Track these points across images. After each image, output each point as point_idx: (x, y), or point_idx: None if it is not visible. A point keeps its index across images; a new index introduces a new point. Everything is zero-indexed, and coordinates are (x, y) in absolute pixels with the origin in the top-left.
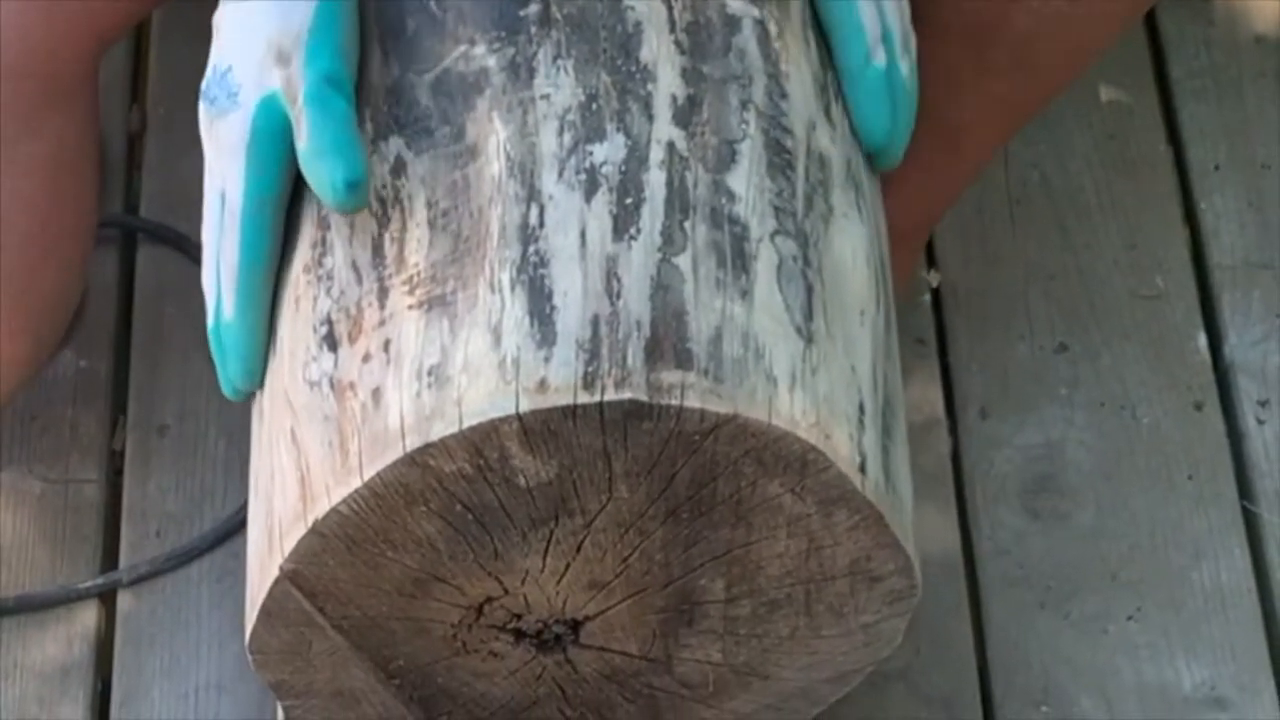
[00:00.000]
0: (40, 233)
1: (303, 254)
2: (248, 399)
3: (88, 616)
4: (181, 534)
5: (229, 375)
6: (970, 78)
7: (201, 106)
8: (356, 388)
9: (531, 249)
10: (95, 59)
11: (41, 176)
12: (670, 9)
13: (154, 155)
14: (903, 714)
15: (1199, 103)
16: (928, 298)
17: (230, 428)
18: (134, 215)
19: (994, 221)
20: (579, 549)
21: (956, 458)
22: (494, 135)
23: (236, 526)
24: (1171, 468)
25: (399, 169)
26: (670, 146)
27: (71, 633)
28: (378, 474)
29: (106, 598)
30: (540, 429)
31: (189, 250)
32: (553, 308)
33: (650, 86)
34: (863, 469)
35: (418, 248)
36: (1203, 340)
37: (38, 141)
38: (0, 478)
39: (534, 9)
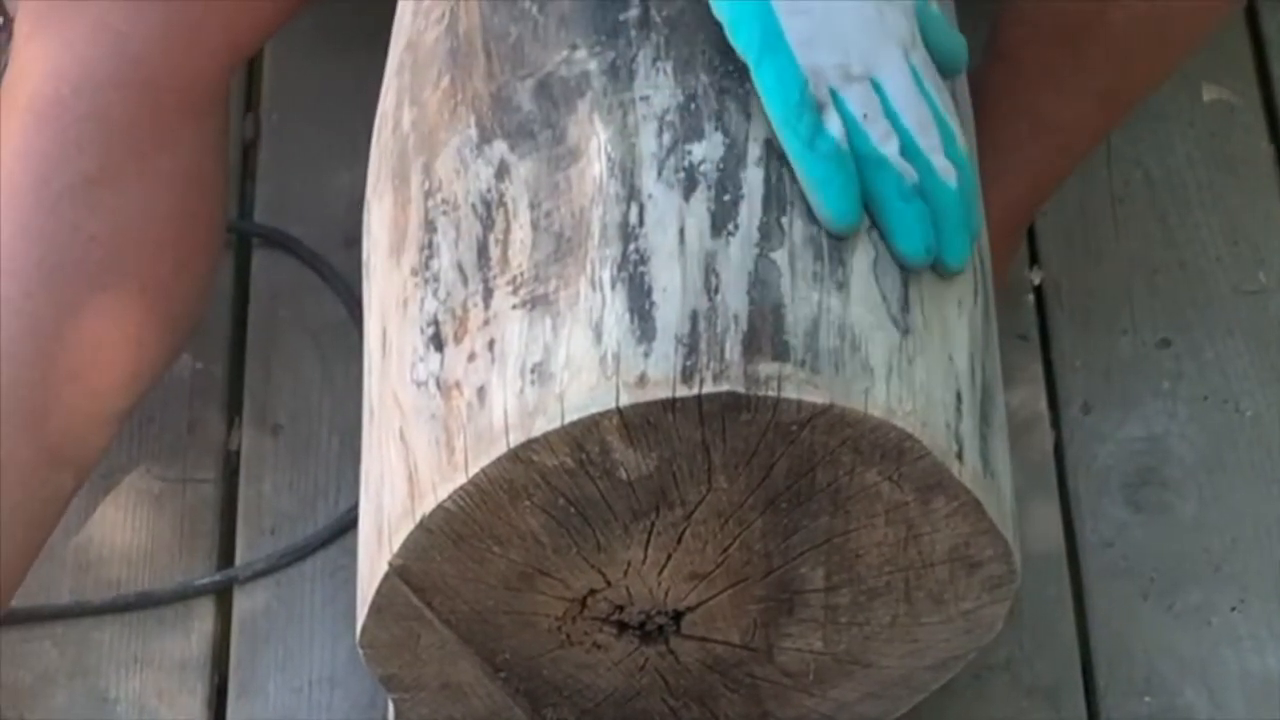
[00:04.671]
0: (173, 245)
1: (410, 257)
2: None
3: (205, 612)
4: (295, 531)
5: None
6: (1068, 75)
7: None
8: (462, 386)
9: (631, 247)
10: (230, 74)
11: (176, 191)
12: None
13: (267, 162)
14: (1006, 705)
15: None
16: (1031, 295)
17: (342, 427)
18: (248, 220)
19: (1097, 219)
20: (680, 540)
21: (1060, 452)
22: (595, 137)
23: (349, 524)
24: (1274, 460)
25: (503, 172)
26: (768, 144)
27: (189, 628)
28: (482, 470)
29: (223, 594)
30: (640, 422)
31: (301, 254)
32: (652, 304)
33: (748, 86)
34: (960, 456)
35: (521, 249)
36: None
37: (172, 156)
38: (120, 478)
39: (634, 13)
